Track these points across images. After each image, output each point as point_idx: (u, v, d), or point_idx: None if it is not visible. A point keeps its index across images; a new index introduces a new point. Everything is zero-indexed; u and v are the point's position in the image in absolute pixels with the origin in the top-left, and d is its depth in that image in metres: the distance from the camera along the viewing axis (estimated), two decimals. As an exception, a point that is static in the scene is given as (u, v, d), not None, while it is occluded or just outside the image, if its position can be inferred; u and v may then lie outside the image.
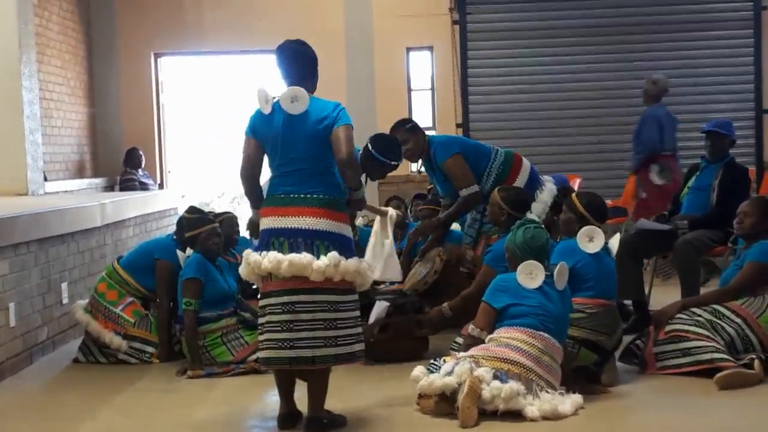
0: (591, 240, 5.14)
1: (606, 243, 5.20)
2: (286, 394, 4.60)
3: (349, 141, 4.47)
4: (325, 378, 4.51)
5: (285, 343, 4.39)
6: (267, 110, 4.54)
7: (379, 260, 5.39)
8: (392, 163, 5.51)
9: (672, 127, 8.14)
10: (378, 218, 5.54)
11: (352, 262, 4.42)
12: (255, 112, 4.63)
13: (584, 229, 5.16)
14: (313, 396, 4.49)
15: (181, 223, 6.23)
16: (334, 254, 4.36)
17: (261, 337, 4.51)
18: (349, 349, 4.45)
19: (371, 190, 8.39)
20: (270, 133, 4.53)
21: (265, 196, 4.60)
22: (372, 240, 5.49)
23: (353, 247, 4.54)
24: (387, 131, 6.20)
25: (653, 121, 8.04)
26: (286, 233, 4.42)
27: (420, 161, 6.52)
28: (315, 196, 4.43)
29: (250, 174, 4.63)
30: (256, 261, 4.45)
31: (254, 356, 5.68)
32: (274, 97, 4.54)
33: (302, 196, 4.44)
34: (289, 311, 4.39)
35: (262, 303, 4.52)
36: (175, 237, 6.28)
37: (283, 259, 4.36)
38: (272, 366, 4.50)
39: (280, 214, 4.45)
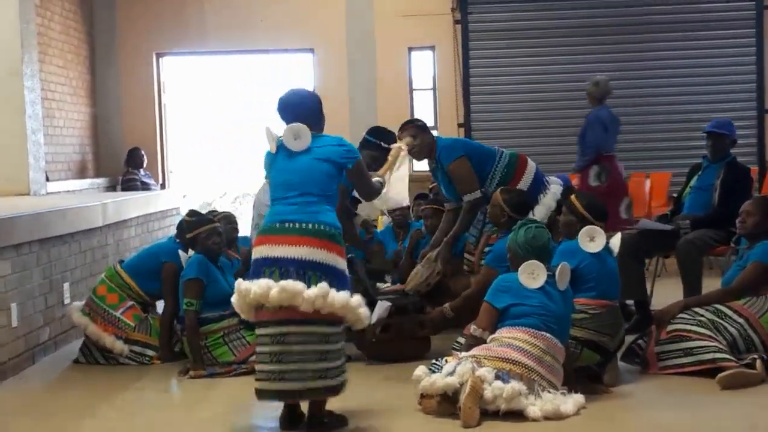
0: (592, 240, 5.13)
1: (607, 243, 5.19)
2: None
3: (367, 177, 4.80)
4: None
5: (274, 375, 4.36)
6: (273, 149, 4.58)
7: (394, 186, 5.49)
8: (389, 146, 5.77)
9: (615, 128, 8.19)
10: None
11: (341, 296, 4.34)
12: (266, 153, 4.67)
13: (585, 228, 5.16)
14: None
15: (182, 225, 6.24)
16: (323, 285, 4.31)
17: (256, 366, 4.52)
18: (336, 381, 4.41)
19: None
20: (274, 167, 4.58)
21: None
22: (387, 174, 5.52)
23: (347, 282, 4.49)
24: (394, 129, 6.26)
25: (598, 123, 8.11)
26: (279, 263, 4.38)
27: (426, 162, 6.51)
28: (311, 226, 4.40)
29: None
30: (246, 289, 4.40)
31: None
32: (279, 136, 4.59)
33: (298, 226, 4.40)
34: (278, 342, 4.35)
35: (256, 332, 4.51)
36: (177, 239, 6.28)
37: (273, 286, 4.31)
38: (263, 399, 4.46)
39: (274, 243, 4.42)
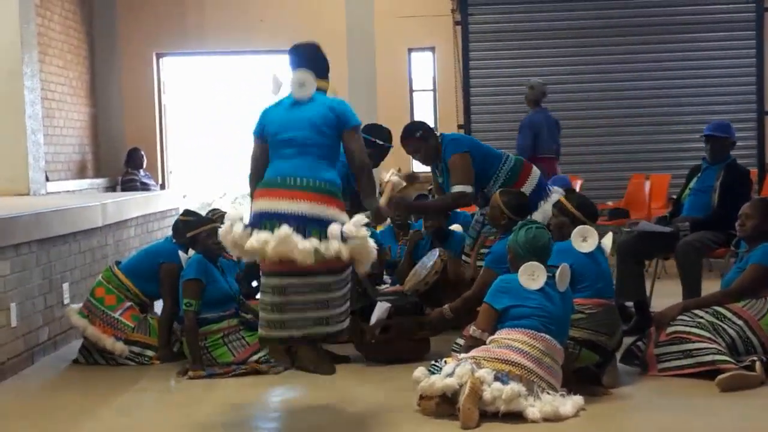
0: (585, 240, 5.13)
1: (599, 242, 5.19)
2: None
3: (362, 147, 4.58)
4: None
5: (275, 324, 4.40)
6: (276, 93, 4.59)
7: None
8: (385, 144, 5.77)
9: (551, 131, 8.26)
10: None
11: (337, 243, 4.29)
12: (264, 108, 4.65)
13: (577, 229, 5.16)
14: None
15: (177, 226, 6.24)
16: (313, 240, 4.27)
17: (260, 314, 4.54)
18: (339, 327, 4.47)
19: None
20: (275, 118, 4.56)
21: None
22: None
23: None
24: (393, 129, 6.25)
25: (527, 128, 8.23)
26: (278, 217, 4.36)
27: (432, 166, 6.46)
28: (311, 182, 4.40)
29: (256, 176, 4.65)
30: (241, 236, 4.38)
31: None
32: (282, 83, 4.61)
33: (298, 181, 4.40)
34: (279, 293, 4.39)
35: (261, 281, 4.55)
36: (174, 240, 6.28)
37: (270, 239, 4.29)
38: (265, 344, 4.55)
39: (274, 197, 4.41)
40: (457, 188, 6.01)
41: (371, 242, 4.46)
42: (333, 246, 4.31)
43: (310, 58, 4.68)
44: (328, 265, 4.37)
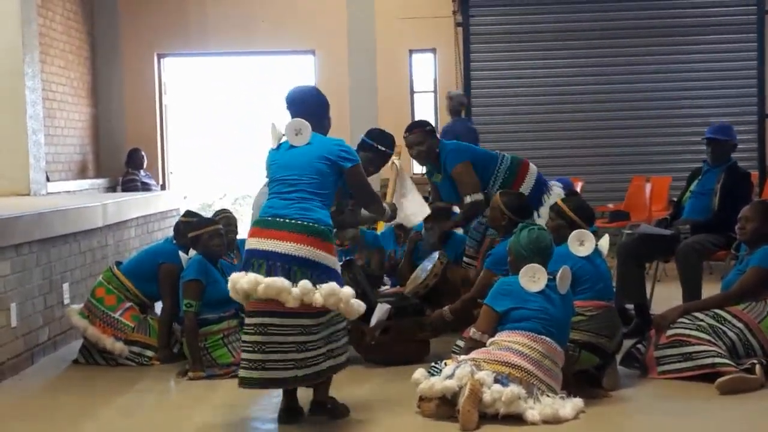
0: (582, 243, 5.14)
1: (596, 245, 5.19)
2: (286, 390, 4.66)
3: (367, 184, 4.77)
4: None
5: (256, 365, 4.44)
6: (274, 144, 4.70)
7: (408, 203, 5.46)
8: (387, 150, 5.82)
9: (469, 139, 8.38)
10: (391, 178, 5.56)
11: (323, 291, 4.39)
12: (269, 151, 4.76)
13: (574, 233, 5.16)
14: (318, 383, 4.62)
15: (179, 227, 6.25)
16: (304, 283, 4.38)
17: (241, 355, 4.59)
18: (317, 368, 4.49)
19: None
20: (275, 159, 4.67)
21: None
22: (393, 194, 5.57)
23: (335, 276, 4.53)
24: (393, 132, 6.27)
25: (448, 137, 8.36)
26: (266, 256, 4.46)
27: (425, 167, 6.52)
28: (300, 222, 4.48)
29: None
30: (235, 280, 4.50)
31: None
32: (282, 134, 4.68)
33: (287, 220, 4.48)
34: (261, 333, 4.45)
35: (245, 320, 4.60)
36: (174, 241, 6.28)
37: (261, 281, 4.40)
38: (245, 387, 4.52)
39: (263, 236, 4.51)
40: (468, 199, 6.14)
41: (354, 305, 4.51)
42: (317, 299, 4.40)
43: (306, 106, 4.74)
44: (310, 308, 4.44)
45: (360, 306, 4.55)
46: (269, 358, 4.41)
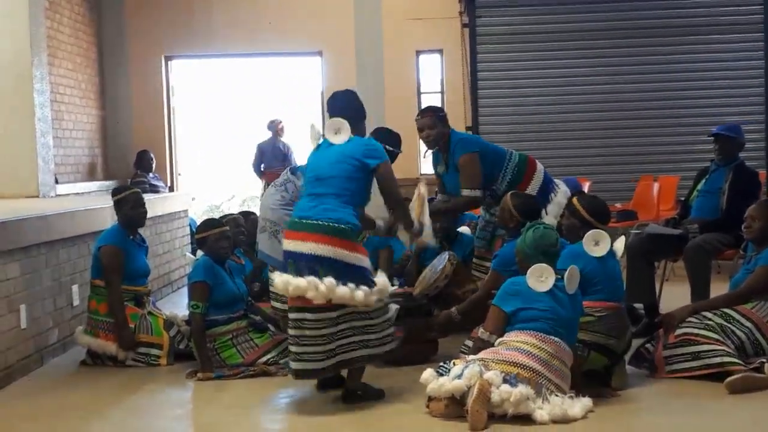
0: (597, 244, 5.13)
1: (611, 246, 5.19)
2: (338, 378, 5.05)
3: (391, 182, 4.88)
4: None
5: (295, 356, 4.77)
6: (313, 145, 4.93)
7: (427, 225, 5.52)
8: (395, 149, 5.88)
9: (275, 153, 8.60)
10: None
11: (344, 290, 4.64)
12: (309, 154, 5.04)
13: (590, 233, 5.15)
14: (351, 369, 4.89)
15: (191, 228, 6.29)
16: (329, 281, 4.63)
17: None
18: (348, 356, 4.78)
19: (376, 190, 8.40)
20: (311, 159, 4.92)
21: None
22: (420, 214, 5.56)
23: (359, 273, 4.73)
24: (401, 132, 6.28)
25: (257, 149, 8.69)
26: (293, 257, 4.75)
27: (431, 152, 6.49)
28: (320, 222, 4.69)
29: None
30: (272, 280, 4.90)
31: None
32: (321, 134, 4.91)
33: (313, 222, 4.71)
34: (297, 327, 4.75)
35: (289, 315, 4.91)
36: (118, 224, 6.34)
37: (290, 282, 4.70)
38: (295, 377, 4.88)
39: (290, 238, 4.79)
40: (466, 193, 6.16)
41: (372, 297, 4.77)
42: (344, 293, 4.67)
43: (346, 106, 4.97)
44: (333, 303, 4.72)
45: (370, 303, 4.76)
46: (303, 350, 4.71)
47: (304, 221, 4.73)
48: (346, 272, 4.67)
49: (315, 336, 4.70)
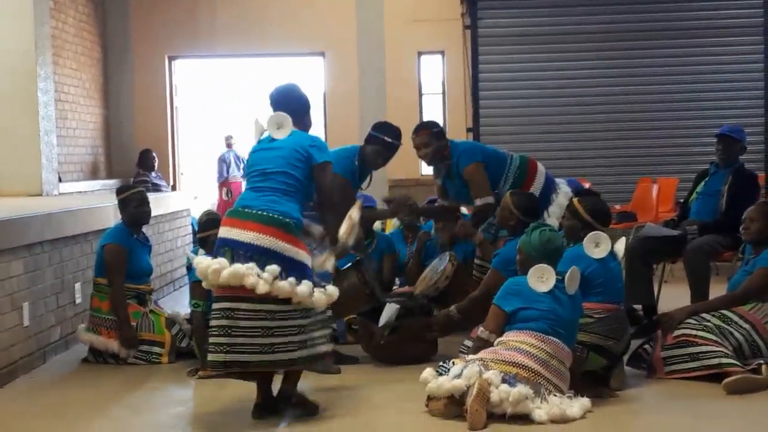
0: (597, 245, 5.14)
1: (612, 247, 5.21)
2: (260, 384, 4.76)
3: (329, 184, 4.73)
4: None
5: (223, 348, 4.51)
6: (256, 139, 4.83)
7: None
8: (394, 141, 5.91)
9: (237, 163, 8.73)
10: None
11: (284, 284, 4.45)
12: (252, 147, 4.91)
13: (590, 235, 5.17)
14: (288, 372, 4.73)
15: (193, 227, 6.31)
16: (271, 268, 4.44)
17: (209, 339, 4.65)
18: (286, 356, 4.53)
19: (379, 191, 8.41)
20: (253, 154, 4.81)
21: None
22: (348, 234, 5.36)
23: (300, 269, 4.55)
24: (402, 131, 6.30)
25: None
26: (232, 245, 4.55)
27: (433, 165, 6.53)
28: (265, 213, 4.55)
29: None
30: (204, 267, 4.56)
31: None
32: (264, 128, 4.81)
33: (254, 211, 4.57)
34: (227, 317, 4.52)
35: (212, 306, 4.69)
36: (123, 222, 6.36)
37: (225, 267, 4.47)
38: (212, 369, 4.63)
39: (231, 225, 4.60)
40: (479, 201, 6.19)
41: (318, 294, 4.55)
42: (284, 287, 4.46)
43: (288, 100, 4.86)
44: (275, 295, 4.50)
45: (314, 301, 4.55)
46: (235, 341, 4.48)
47: (246, 210, 4.57)
48: (287, 266, 4.50)
49: (250, 327, 4.48)
